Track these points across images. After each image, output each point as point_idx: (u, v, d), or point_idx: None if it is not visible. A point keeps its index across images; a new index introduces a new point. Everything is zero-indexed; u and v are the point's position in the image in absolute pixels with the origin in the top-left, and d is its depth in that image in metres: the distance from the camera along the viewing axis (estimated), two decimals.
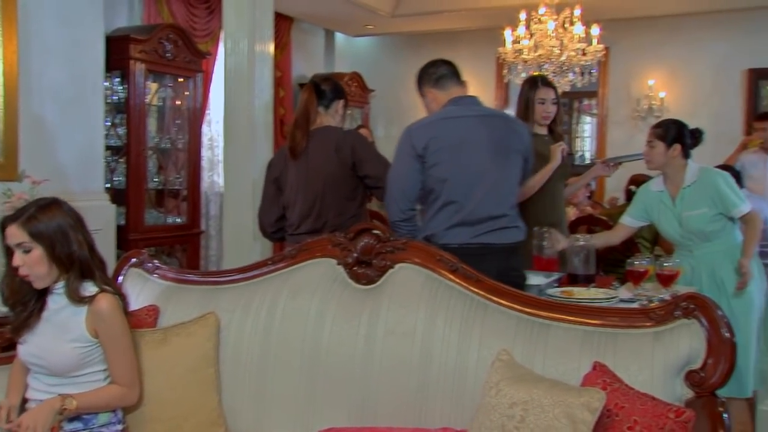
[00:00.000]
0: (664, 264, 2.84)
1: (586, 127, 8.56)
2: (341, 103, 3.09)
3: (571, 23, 4.88)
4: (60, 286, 1.95)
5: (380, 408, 1.94)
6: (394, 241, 2.09)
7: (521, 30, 4.83)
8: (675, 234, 3.24)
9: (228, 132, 3.87)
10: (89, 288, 1.96)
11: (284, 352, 2.08)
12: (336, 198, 2.98)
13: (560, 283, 2.99)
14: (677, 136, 3.22)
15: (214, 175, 5.77)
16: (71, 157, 4.02)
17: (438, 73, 2.75)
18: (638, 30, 6.70)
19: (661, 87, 6.79)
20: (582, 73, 4.82)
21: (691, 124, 7.02)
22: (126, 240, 4.39)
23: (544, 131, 3.38)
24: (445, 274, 2.02)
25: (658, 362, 1.74)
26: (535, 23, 4.81)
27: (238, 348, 2.13)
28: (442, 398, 1.89)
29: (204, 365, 2.09)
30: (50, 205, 1.96)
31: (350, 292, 2.08)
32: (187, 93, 4.99)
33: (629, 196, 4.72)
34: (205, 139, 5.58)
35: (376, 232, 2.11)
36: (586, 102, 8.61)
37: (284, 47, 6.76)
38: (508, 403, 1.64)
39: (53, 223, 1.92)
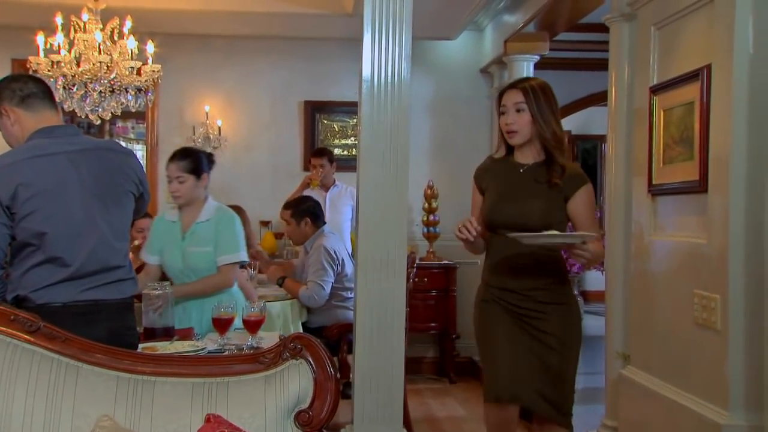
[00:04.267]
0: (251, 310, 3.30)
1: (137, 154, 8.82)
2: None
3: (121, 36, 5.12)
4: None
5: None
6: None
7: (60, 38, 4.88)
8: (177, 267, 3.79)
9: None
10: None
11: None
12: None
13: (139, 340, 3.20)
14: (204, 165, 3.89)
15: None
16: None
17: (25, 91, 2.71)
18: (192, 48, 7.26)
19: (218, 114, 7.46)
20: (136, 96, 5.08)
21: (249, 157, 7.91)
22: None
23: None
24: (23, 336, 2.07)
25: (270, 406, 2.09)
26: (78, 31, 4.91)
27: None
28: None
29: None
30: None
31: None
32: None
33: None
34: None
35: None
36: (120, 125, 8.88)
37: None
38: None
39: None
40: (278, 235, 7.23)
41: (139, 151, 7.99)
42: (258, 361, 2.16)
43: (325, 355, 2.17)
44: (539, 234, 2.82)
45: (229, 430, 1.95)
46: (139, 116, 7.70)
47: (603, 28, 4.25)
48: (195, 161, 3.82)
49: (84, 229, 2.68)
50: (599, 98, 8.08)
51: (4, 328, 2.06)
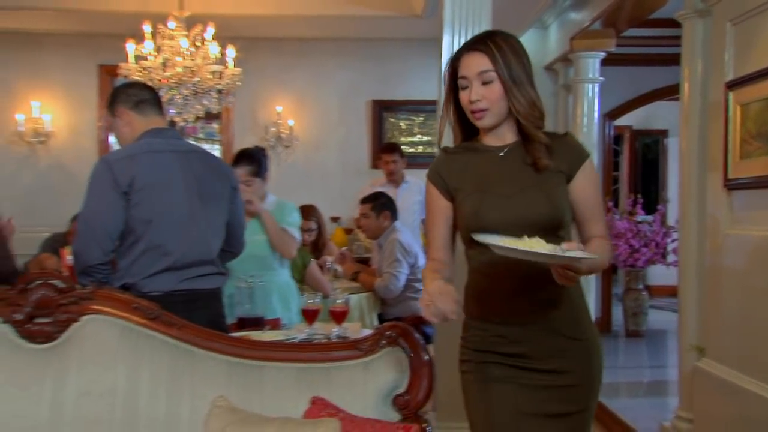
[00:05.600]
0: (337, 301, 3.41)
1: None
2: None
3: (203, 41, 5.30)
4: None
5: None
6: (79, 291, 2.19)
7: (149, 45, 5.07)
8: None
9: None
10: None
11: None
12: None
13: (231, 329, 3.34)
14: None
15: None
16: None
17: (140, 96, 2.93)
18: (265, 51, 7.43)
19: (290, 114, 7.63)
20: (219, 99, 5.25)
21: (319, 155, 8.08)
22: None
23: None
24: (144, 323, 2.20)
25: (369, 390, 2.19)
26: (165, 38, 5.10)
27: None
28: None
29: None
30: None
31: (24, 354, 2.12)
32: None
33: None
34: None
35: (53, 281, 2.18)
36: (190, 125, 9.10)
37: None
38: None
39: None
40: (347, 231, 7.39)
41: (216, 150, 8.21)
42: (357, 348, 2.26)
43: (419, 343, 2.26)
44: (531, 251, 1.88)
45: (333, 411, 2.05)
46: (209, 117, 7.90)
47: (669, 24, 4.24)
48: (259, 165, 3.98)
49: (185, 222, 2.86)
50: (662, 93, 8.02)
51: (128, 315, 2.19)
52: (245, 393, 2.14)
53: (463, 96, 2.18)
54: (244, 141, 7.42)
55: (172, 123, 6.33)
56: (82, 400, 2.08)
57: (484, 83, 2.14)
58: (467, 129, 2.27)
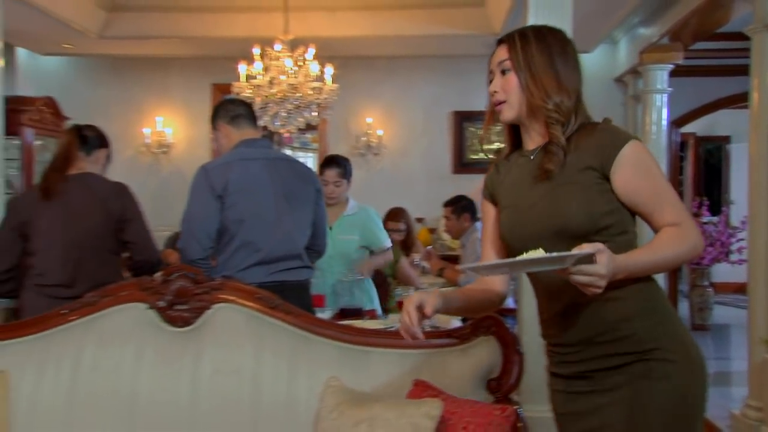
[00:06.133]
0: None
1: (308, 162, 9.25)
2: (104, 152, 3.19)
3: (305, 61, 5.41)
4: None
5: None
6: (211, 282, 2.29)
7: (258, 66, 5.22)
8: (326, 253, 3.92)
9: None
10: None
11: (95, 408, 2.13)
12: (97, 248, 3.02)
13: (334, 318, 3.41)
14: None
15: None
16: None
17: (235, 112, 3.03)
18: (357, 68, 7.54)
19: (379, 125, 7.72)
20: (320, 113, 5.36)
21: (405, 162, 8.09)
22: None
23: None
24: (266, 311, 2.28)
25: (466, 374, 2.21)
26: (272, 59, 5.24)
27: (32, 412, 2.13)
28: (276, 429, 2.14)
29: None
30: None
31: (167, 335, 2.23)
32: None
33: None
34: None
35: (190, 273, 2.29)
36: (286, 135, 9.29)
37: None
38: (351, 422, 1.98)
39: None
40: (431, 230, 7.42)
41: (311, 158, 8.37)
42: (455, 336, 2.29)
43: (511, 332, 2.27)
44: (503, 262, 1.71)
45: (435, 392, 2.08)
46: (306, 128, 8.04)
47: (736, 37, 4.13)
48: (347, 168, 4.01)
49: (273, 221, 2.93)
50: (727, 102, 7.79)
51: (252, 304, 2.28)
52: (354, 375, 2.20)
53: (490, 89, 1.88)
54: (337, 149, 7.54)
55: (270, 133, 6.49)
56: (215, 377, 2.18)
57: (503, 73, 1.82)
58: (515, 136, 1.92)
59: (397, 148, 7.77)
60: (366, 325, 3.09)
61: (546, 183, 1.76)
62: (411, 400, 2.03)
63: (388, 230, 5.22)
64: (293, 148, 10.66)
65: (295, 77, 5.23)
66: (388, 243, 4.11)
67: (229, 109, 3.08)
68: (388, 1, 6.44)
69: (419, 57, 7.57)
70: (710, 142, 11.00)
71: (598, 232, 1.69)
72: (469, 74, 7.58)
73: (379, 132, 7.69)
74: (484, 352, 2.24)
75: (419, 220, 7.48)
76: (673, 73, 6.28)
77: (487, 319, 2.28)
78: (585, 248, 1.52)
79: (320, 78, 5.52)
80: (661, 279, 6.45)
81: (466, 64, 7.54)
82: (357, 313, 3.54)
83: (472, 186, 6.62)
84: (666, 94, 6.23)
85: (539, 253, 1.55)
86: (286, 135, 5.86)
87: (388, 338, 2.31)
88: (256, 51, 5.31)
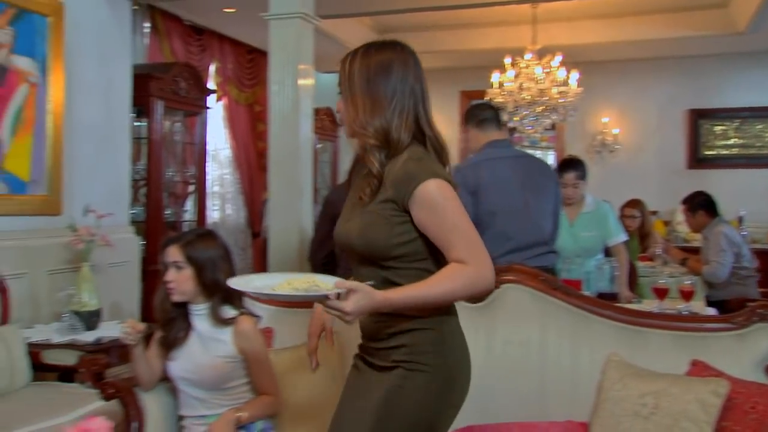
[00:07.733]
0: (685, 282, 3.29)
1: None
2: None
3: (551, 68, 5.37)
4: (203, 308, 2.14)
5: (503, 407, 2.22)
6: (497, 266, 2.38)
7: (511, 73, 5.27)
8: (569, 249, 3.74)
9: (274, 166, 4.09)
10: (229, 311, 2.16)
11: None
12: None
13: None
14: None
15: (227, 208, 5.93)
16: (101, 192, 4.11)
17: (482, 116, 3.11)
18: (593, 72, 7.31)
19: (614, 124, 7.44)
20: (567, 115, 5.30)
21: (639, 158, 7.73)
22: (146, 271, 4.45)
23: None
24: (549, 291, 2.33)
25: (744, 359, 2.10)
26: (523, 67, 5.26)
27: None
28: (561, 396, 2.19)
29: None
30: (207, 235, 2.17)
31: (467, 311, 2.34)
32: (194, 128, 5.14)
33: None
34: (213, 174, 5.74)
35: None
36: (517, 135, 9.21)
37: (265, 82, 6.96)
38: (637, 394, 1.96)
39: (207, 252, 2.12)
40: (665, 223, 7.02)
41: (550, 155, 8.27)
42: (730, 322, 2.18)
43: None
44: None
45: (716, 373, 2.00)
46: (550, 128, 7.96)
47: None
48: (583, 170, 3.86)
49: (521, 210, 2.96)
50: None
51: (536, 285, 2.33)
52: (631, 352, 2.17)
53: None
54: (574, 147, 7.42)
55: (512, 132, 6.50)
56: (506, 347, 2.27)
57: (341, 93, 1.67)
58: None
59: (631, 145, 7.45)
60: (637, 307, 3.03)
61: (359, 203, 1.64)
62: (696, 378, 1.97)
63: (624, 217, 5.04)
64: (523, 146, 10.57)
65: (542, 82, 5.21)
66: (623, 236, 3.89)
67: (477, 113, 3.13)
68: (625, 8, 6.18)
69: (653, 59, 7.18)
70: None
71: (393, 259, 1.60)
72: (706, 73, 7.07)
73: (615, 131, 7.42)
74: (761, 338, 2.11)
75: (653, 212, 7.10)
76: None
77: (762, 306, 2.15)
78: (345, 285, 1.45)
79: (566, 83, 5.44)
80: None
81: (702, 63, 7.03)
82: (613, 297, 3.48)
83: (708, 182, 6.19)
84: None
85: (299, 282, 1.50)
86: (536, 135, 5.83)
87: (665, 320, 2.25)
88: (508, 60, 5.36)
